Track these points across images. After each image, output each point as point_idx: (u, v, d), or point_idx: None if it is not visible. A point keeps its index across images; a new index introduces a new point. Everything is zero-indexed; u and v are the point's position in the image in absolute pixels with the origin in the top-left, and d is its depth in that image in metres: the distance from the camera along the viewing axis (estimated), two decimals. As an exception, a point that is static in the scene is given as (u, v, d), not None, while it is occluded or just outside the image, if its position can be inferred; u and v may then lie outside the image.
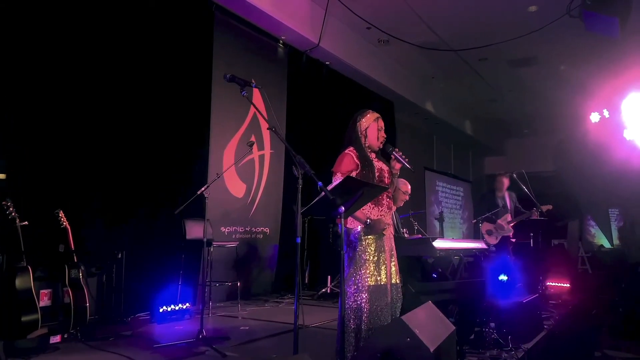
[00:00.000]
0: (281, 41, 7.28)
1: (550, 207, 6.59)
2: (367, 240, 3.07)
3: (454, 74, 10.09)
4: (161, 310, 4.76)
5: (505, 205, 6.62)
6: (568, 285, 7.63)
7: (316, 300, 6.34)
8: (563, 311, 5.92)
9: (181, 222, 5.33)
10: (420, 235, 5.13)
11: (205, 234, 4.25)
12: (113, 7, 5.02)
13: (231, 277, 6.02)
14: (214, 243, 5.32)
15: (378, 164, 3.22)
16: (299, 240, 2.43)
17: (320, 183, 2.33)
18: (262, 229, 6.86)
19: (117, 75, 5.07)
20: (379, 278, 3.08)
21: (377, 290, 3.06)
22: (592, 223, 15.86)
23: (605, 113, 8.24)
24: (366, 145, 3.21)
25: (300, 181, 2.44)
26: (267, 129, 2.57)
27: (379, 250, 3.12)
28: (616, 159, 8.56)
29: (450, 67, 9.61)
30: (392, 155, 3.21)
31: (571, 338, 5.58)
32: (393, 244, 3.30)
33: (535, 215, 6.44)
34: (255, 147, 6.73)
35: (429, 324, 2.57)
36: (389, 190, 3.19)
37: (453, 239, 5.12)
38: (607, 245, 15.63)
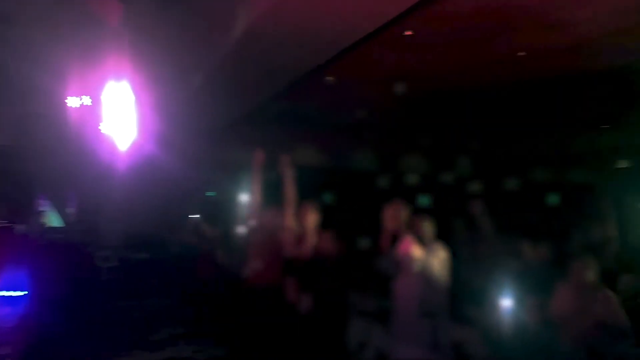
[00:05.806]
0: None
1: None
2: None
3: None
4: None
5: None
6: (25, 292, 6.77)
7: None
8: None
9: None
10: None
11: None
12: None
13: None
14: None
15: None
16: None
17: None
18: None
19: None
20: None
21: None
22: (45, 202, 15.32)
23: (86, 100, 7.74)
24: None
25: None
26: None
27: None
28: (92, 151, 8.19)
29: None
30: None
31: None
32: None
33: None
34: None
35: None
36: None
37: None
38: (58, 224, 15.58)
